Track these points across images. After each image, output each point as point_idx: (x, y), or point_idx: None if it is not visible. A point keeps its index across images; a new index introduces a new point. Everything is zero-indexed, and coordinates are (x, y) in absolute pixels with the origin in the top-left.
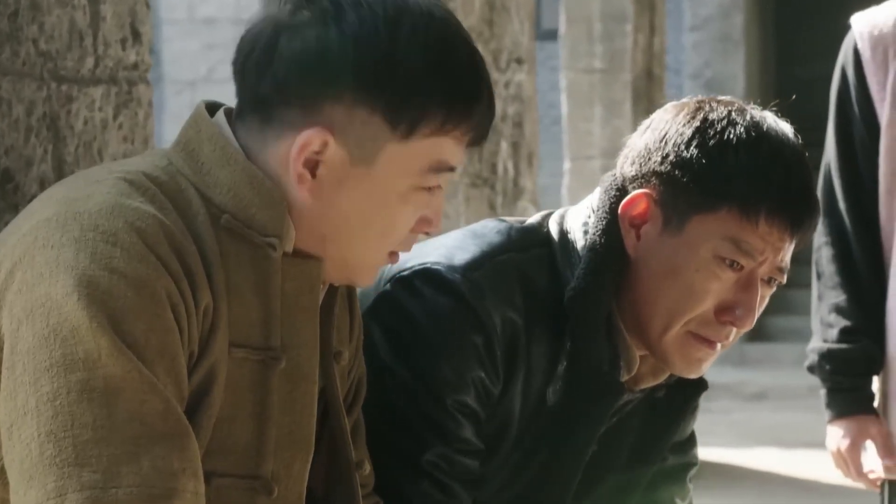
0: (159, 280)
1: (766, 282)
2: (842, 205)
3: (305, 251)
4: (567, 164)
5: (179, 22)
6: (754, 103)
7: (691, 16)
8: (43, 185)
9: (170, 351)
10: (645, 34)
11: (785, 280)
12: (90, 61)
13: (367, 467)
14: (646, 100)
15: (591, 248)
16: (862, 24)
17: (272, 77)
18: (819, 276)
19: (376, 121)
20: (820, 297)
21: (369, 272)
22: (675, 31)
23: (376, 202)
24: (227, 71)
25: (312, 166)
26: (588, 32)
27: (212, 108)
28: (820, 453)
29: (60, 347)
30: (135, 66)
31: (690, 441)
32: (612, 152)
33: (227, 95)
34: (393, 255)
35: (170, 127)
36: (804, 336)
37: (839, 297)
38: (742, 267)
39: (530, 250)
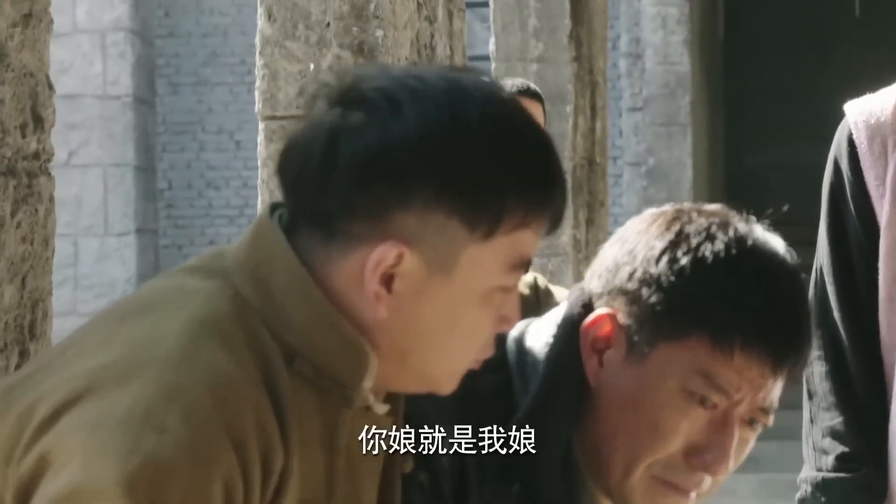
0: (218, 448)
1: (748, 423)
2: (836, 314)
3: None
4: None
5: None
6: (704, 194)
7: (630, 96)
8: None
9: None
10: (585, 117)
11: (770, 422)
12: None
13: None
14: (587, 191)
15: (546, 375)
16: (857, 113)
17: (333, 188)
18: (811, 396)
19: (454, 224)
20: (812, 420)
21: (453, 381)
22: (611, 114)
23: (459, 309)
24: (91, 155)
25: (387, 280)
26: None
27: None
28: None
29: None
30: (36, 155)
31: None
32: (549, 252)
33: (91, 182)
34: (478, 362)
35: None
36: None
37: (834, 420)
38: (715, 405)
39: (483, 375)
